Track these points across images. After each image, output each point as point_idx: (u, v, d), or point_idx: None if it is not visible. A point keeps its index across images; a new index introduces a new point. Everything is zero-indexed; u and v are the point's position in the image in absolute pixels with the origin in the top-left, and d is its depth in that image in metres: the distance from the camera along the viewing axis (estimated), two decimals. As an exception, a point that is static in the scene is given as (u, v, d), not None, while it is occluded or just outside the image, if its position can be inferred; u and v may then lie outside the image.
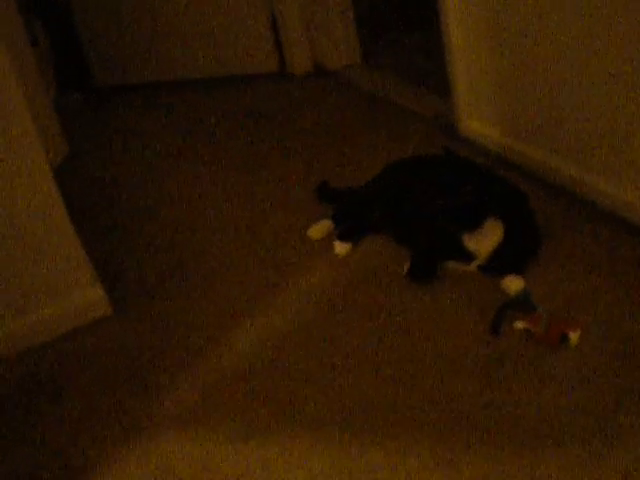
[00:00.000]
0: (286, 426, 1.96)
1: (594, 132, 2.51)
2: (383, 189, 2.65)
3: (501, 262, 2.31)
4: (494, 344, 2.09)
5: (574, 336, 2.02)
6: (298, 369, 2.14)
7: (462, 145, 3.10)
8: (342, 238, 2.62)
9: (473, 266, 2.36)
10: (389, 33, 4.64)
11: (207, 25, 4.25)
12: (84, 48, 4.43)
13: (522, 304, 2.15)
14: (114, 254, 2.83)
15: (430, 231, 2.41)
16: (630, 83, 2.30)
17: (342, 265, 2.55)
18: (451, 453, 1.80)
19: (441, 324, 2.21)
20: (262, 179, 3.21)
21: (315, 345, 2.22)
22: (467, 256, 2.34)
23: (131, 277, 2.69)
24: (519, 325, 2.10)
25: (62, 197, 2.36)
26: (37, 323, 2.40)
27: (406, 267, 2.42)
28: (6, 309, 2.35)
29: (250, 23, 4.21)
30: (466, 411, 1.90)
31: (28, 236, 2.32)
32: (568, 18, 2.44)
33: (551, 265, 2.35)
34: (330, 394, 2.03)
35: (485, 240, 2.29)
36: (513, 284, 2.24)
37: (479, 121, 3.12)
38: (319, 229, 2.73)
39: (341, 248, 2.60)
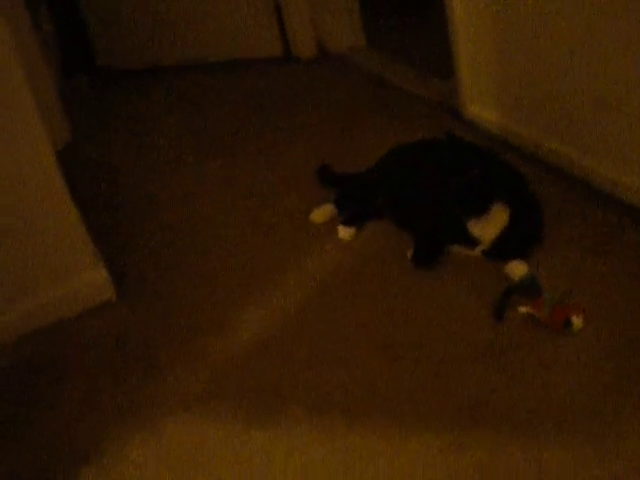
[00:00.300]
0: (287, 411, 1.96)
1: (597, 116, 2.49)
2: (387, 173, 2.64)
3: (505, 247, 2.30)
4: (498, 329, 2.09)
5: (577, 321, 2.02)
6: (300, 354, 2.14)
7: (466, 128, 3.09)
8: (346, 223, 2.62)
9: (477, 251, 2.35)
10: (393, 16, 4.62)
11: (211, 9, 4.24)
12: (89, 32, 4.42)
13: (526, 289, 2.14)
14: (116, 238, 2.83)
15: (435, 216, 2.40)
16: (630, 68, 2.29)
17: (346, 250, 2.55)
18: (453, 438, 1.80)
19: (445, 309, 2.21)
20: (265, 163, 3.20)
21: (318, 330, 2.22)
22: (471, 241, 2.34)
23: (134, 261, 2.69)
24: (523, 310, 2.09)
25: (65, 181, 2.36)
26: (40, 306, 2.40)
27: (410, 252, 2.42)
28: (9, 292, 2.36)
29: (254, 7, 4.19)
30: (469, 396, 1.90)
31: (31, 219, 2.32)
32: (570, 3, 2.42)
33: (554, 250, 2.35)
34: (332, 379, 2.03)
35: (490, 225, 2.29)
36: (517, 269, 2.24)
37: (482, 105, 3.11)
38: (321, 213, 2.72)
39: (345, 233, 2.60)
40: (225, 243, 2.71)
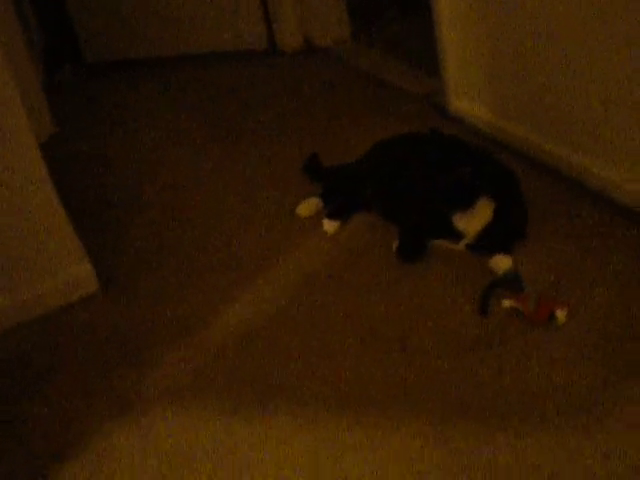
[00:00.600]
0: (273, 403, 1.96)
1: (583, 113, 2.51)
2: (373, 167, 2.64)
3: (489, 241, 2.31)
4: (482, 322, 2.10)
5: (561, 314, 2.03)
6: (286, 346, 2.14)
7: (452, 124, 3.10)
8: (331, 216, 2.62)
9: (461, 245, 2.36)
10: (380, 10, 4.62)
11: (197, 1, 4.22)
12: (74, 25, 4.40)
13: (510, 283, 2.16)
14: (104, 231, 2.82)
15: (420, 210, 2.40)
16: (618, 65, 2.29)
17: (331, 243, 2.55)
18: (438, 430, 1.80)
19: (430, 302, 2.21)
20: (251, 157, 3.20)
21: (303, 323, 2.22)
22: (456, 235, 2.35)
23: (120, 254, 2.68)
24: (507, 304, 2.10)
25: (50, 174, 2.35)
26: (24, 300, 2.39)
27: (395, 245, 2.42)
28: (-7, 286, 2.35)
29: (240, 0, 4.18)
30: (454, 388, 1.91)
31: (14, 213, 2.30)
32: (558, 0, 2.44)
33: (539, 244, 2.36)
34: (318, 372, 2.04)
35: (474, 219, 2.29)
36: (502, 263, 2.25)
37: (469, 100, 3.12)
38: (307, 206, 2.72)
39: (330, 226, 2.60)
40: (212, 236, 2.71)
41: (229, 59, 4.24)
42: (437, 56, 3.18)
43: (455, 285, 2.26)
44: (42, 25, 4.28)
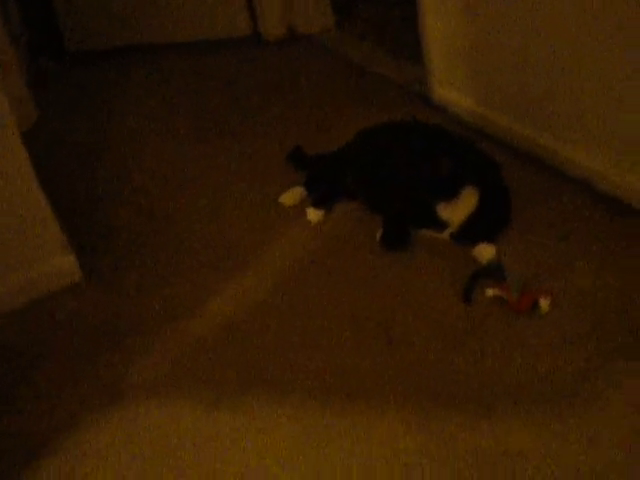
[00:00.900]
0: (257, 392, 1.97)
1: (566, 103, 2.51)
2: (356, 155, 2.64)
3: (473, 230, 2.32)
4: (466, 311, 2.11)
5: (544, 303, 2.04)
6: (270, 336, 2.14)
7: (436, 113, 3.10)
8: (315, 205, 2.62)
9: (445, 234, 2.37)
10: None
11: (180, -11, 4.20)
12: (58, 13, 4.35)
13: (493, 272, 2.16)
14: (87, 221, 2.80)
15: (404, 199, 2.41)
16: (603, 55, 2.30)
17: (315, 232, 2.55)
18: (422, 419, 1.81)
19: (413, 291, 2.22)
20: (235, 147, 3.19)
21: (287, 313, 2.22)
22: (440, 224, 2.35)
23: (104, 244, 2.66)
24: (490, 293, 2.11)
25: (32, 163, 2.33)
26: (7, 290, 2.37)
27: (379, 234, 2.42)
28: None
29: (223, -13, 4.16)
30: (437, 377, 1.92)
31: (-4, 202, 2.29)
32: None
33: (522, 233, 2.37)
34: (301, 361, 2.04)
35: (458, 209, 2.30)
36: (485, 252, 2.26)
37: (452, 89, 3.11)
38: (291, 196, 2.72)
39: (314, 215, 2.60)
40: (197, 227, 2.70)
41: (213, 47, 4.22)
42: (421, 45, 3.17)
43: (439, 274, 2.27)
44: (25, 13, 4.23)
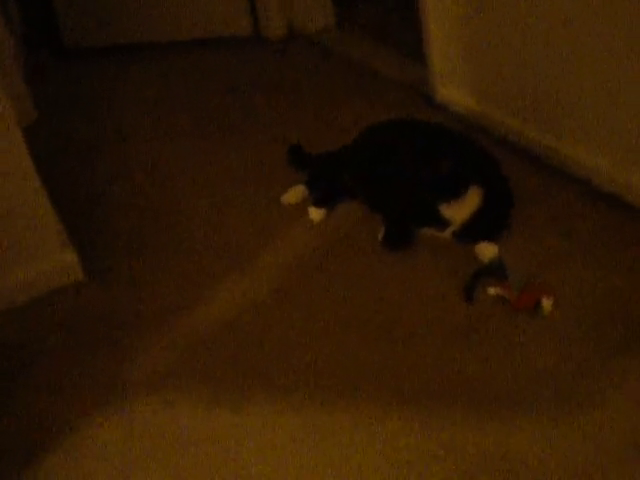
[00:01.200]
0: (257, 389, 1.96)
1: (567, 101, 2.51)
2: (358, 153, 2.63)
3: (475, 229, 2.31)
4: (468, 310, 2.10)
5: (547, 303, 2.04)
6: (271, 334, 2.14)
7: (437, 112, 3.10)
8: (317, 204, 2.61)
9: (447, 233, 2.36)
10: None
11: (179, -13, 4.19)
12: (55, 9, 4.34)
13: (495, 271, 2.16)
14: (88, 218, 2.79)
15: (406, 199, 2.40)
16: (601, 55, 2.30)
17: (317, 231, 2.55)
18: (422, 417, 1.81)
19: (415, 290, 2.22)
20: (236, 145, 3.18)
21: (289, 310, 2.22)
22: (442, 223, 2.34)
23: (106, 240, 2.66)
24: (492, 291, 2.11)
25: (32, 160, 2.32)
26: (7, 287, 2.36)
27: (381, 234, 2.42)
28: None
29: (224, -15, 4.16)
30: (439, 376, 1.92)
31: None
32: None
33: (524, 232, 2.36)
34: (303, 359, 2.03)
35: (462, 208, 2.29)
36: (487, 250, 2.25)
37: (454, 88, 3.11)
38: (293, 194, 2.71)
39: (316, 214, 2.59)
40: (197, 224, 2.69)
41: (213, 46, 4.21)
42: (422, 43, 3.17)
43: (441, 273, 2.26)
44: (24, 9, 4.22)
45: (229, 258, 2.48)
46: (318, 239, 2.51)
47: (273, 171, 2.92)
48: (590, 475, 1.62)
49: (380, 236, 2.41)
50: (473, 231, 2.31)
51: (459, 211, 2.29)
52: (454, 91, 3.11)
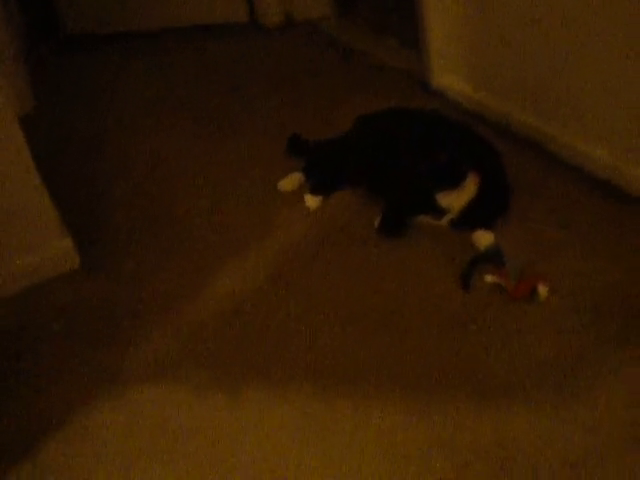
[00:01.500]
0: (256, 378, 1.97)
1: (565, 89, 2.51)
2: (356, 141, 2.63)
3: (472, 217, 2.31)
4: (465, 298, 2.10)
5: (543, 290, 2.04)
6: (268, 323, 2.14)
7: (434, 99, 3.09)
8: (313, 191, 2.61)
9: (444, 221, 2.36)
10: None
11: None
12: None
13: (492, 258, 2.16)
14: (85, 207, 2.79)
15: (404, 186, 2.40)
16: (600, 41, 2.30)
17: (313, 218, 2.55)
18: (420, 405, 1.81)
19: (412, 278, 2.22)
20: (234, 133, 3.18)
21: (286, 299, 2.22)
22: (439, 211, 2.34)
23: (106, 229, 2.66)
24: (489, 279, 2.11)
25: (29, 149, 2.32)
26: (5, 276, 2.37)
27: (377, 221, 2.42)
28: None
29: (221, -28, 4.15)
30: (436, 364, 1.92)
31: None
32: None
33: (521, 220, 2.36)
34: (301, 349, 2.04)
35: (459, 196, 2.29)
36: (483, 238, 2.26)
37: (451, 76, 3.11)
38: (289, 182, 2.71)
39: (312, 201, 2.59)
40: (194, 213, 2.69)
41: (211, 35, 4.20)
42: (420, 31, 3.16)
43: (438, 261, 2.27)
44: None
45: (226, 246, 2.48)
46: (315, 226, 2.51)
47: (271, 160, 2.92)
48: (587, 465, 1.62)
49: (376, 223, 2.41)
50: (470, 219, 2.32)
51: (456, 199, 2.29)
52: (451, 78, 3.11)
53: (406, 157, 2.32)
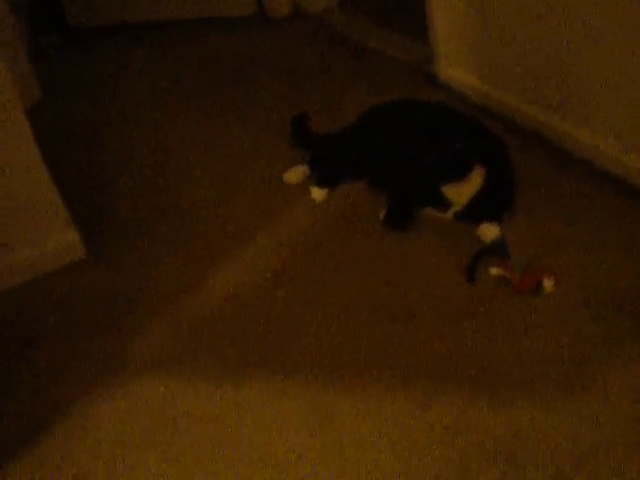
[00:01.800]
0: (260, 368, 1.97)
1: (572, 82, 2.50)
2: (362, 133, 2.62)
3: (478, 210, 2.31)
4: (470, 291, 2.10)
5: (548, 284, 2.04)
6: (273, 313, 2.14)
7: (440, 91, 3.08)
8: (319, 184, 2.61)
9: (450, 213, 2.36)
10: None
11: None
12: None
13: (497, 251, 2.16)
14: (90, 198, 2.80)
15: (410, 179, 2.40)
16: (607, 35, 2.28)
17: (319, 211, 2.55)
18: (425, 397, 1.82)
19: (418, 271, 2.22)
20: (240, 125, 3.17)
21: (291, 290, 2.22)
22: (445, 203, 2.34)
23: (108, 221, 2.66)
24: (494, 272, 2.11)
25: (36, 140, 2.32)
26: (9, 266, 2.37)
27: (382, 214, 2.42)
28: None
29: (227, -36, 4.13)
30: (440, 356, 1.92)
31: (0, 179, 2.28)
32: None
33: (527, 213, 2.36)
34: (306, 339, 2.04)
35: (464, 189, 2.29)
36: (489, 231, 2.25)
37: (458, 68, 3.09)
38: (295, 174, 2.71)
39: (318, 194, 2.59)
40: (199, 204, 2.69)
41: (217, 26, 4.18)
42: (426, 23, 3.15)
43: (443, 253, 2.26)
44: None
45: (230, 237, 2.48)
46: (320, 219, 2.51)
47: (276, 152, 2.91)
48: (591, 459, 1.62)
49: (382, 216, 2.41)
50: (475, 212, 2.31)
51: (462, 192, 2.29)
52: (458, 71, 3.10)
53: (412, 149, 2.32)
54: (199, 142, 3.10)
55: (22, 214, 2.35)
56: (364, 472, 1.68)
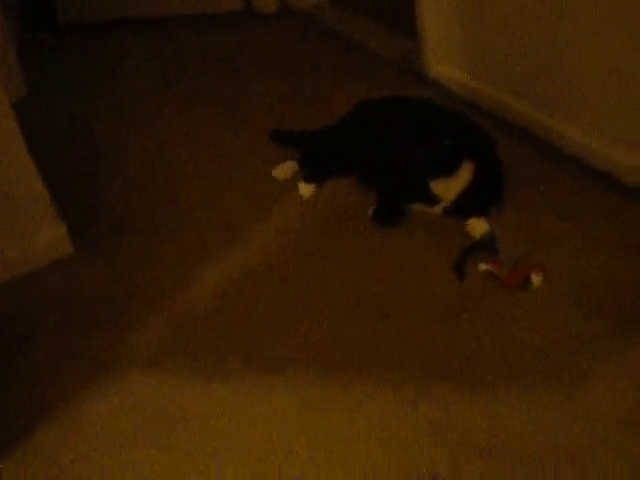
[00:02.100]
0: (252, 364, 1.97)
1: (561, 78, 2.50)
2: (351, 130, 2.62)
3: (466, 205, 2.31)
4: (458, 286, 2.11)
5: (536, 279, 2.04)
6: (264, 309, 2.14)
7: (429, 88, 3.09)
8: (307, 180, 2.61)
9: (438, 209, 2.36)
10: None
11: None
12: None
13: (486, 247, 2.16)
14: (79, 194, 2.78)
15: (399, 175, 2.40)
16: (597, 32, 2.29)
17: (307, 207, 2.54)
18: (413, 393, 1.82)
19: (406, 266, 2.22)
20: (229, 122, 3.17)
21: (281, 286, 2.22)
22: (433, 199, 2.34)
23: (99, 216, 2.65)
24: (482, 267, 2.11)
25: (24, 135, 2.30)
26: (-1, 263, 2.37)
27: (371, 210, 2.42)
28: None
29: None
30: (429, 352, 1.92)
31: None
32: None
33: (516, 209, 2.36)
34: (296, 335, 2.04)
35: (453, 184, 2.29)
36: (478, 227, 2.26)
37: (447, 64, 3.10)
38: (283, 170, 2.71)
39: (306, 190, 2.59)
40: (189, 200, 2.68)
41: (207, 22, 4.18)
42: (415, 19, 3.15)
43: (432, 249, 2.27)
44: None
45: (221, 233, 2.48)
46: (308, 215, 2.50)
47: (264, 147, 2.91)
48: (577, 453, 1.63)
49: (370, 212, 2.41)
50: (464, 207, 2.31)
51: (450, 188, 2.29)
52: (447, 68, 3.10)
53: (401, 144, 2.32)
54: (192, 138, 3.09)
55: (8, 210, 2.33)
56: (353, 467, 1.68)
